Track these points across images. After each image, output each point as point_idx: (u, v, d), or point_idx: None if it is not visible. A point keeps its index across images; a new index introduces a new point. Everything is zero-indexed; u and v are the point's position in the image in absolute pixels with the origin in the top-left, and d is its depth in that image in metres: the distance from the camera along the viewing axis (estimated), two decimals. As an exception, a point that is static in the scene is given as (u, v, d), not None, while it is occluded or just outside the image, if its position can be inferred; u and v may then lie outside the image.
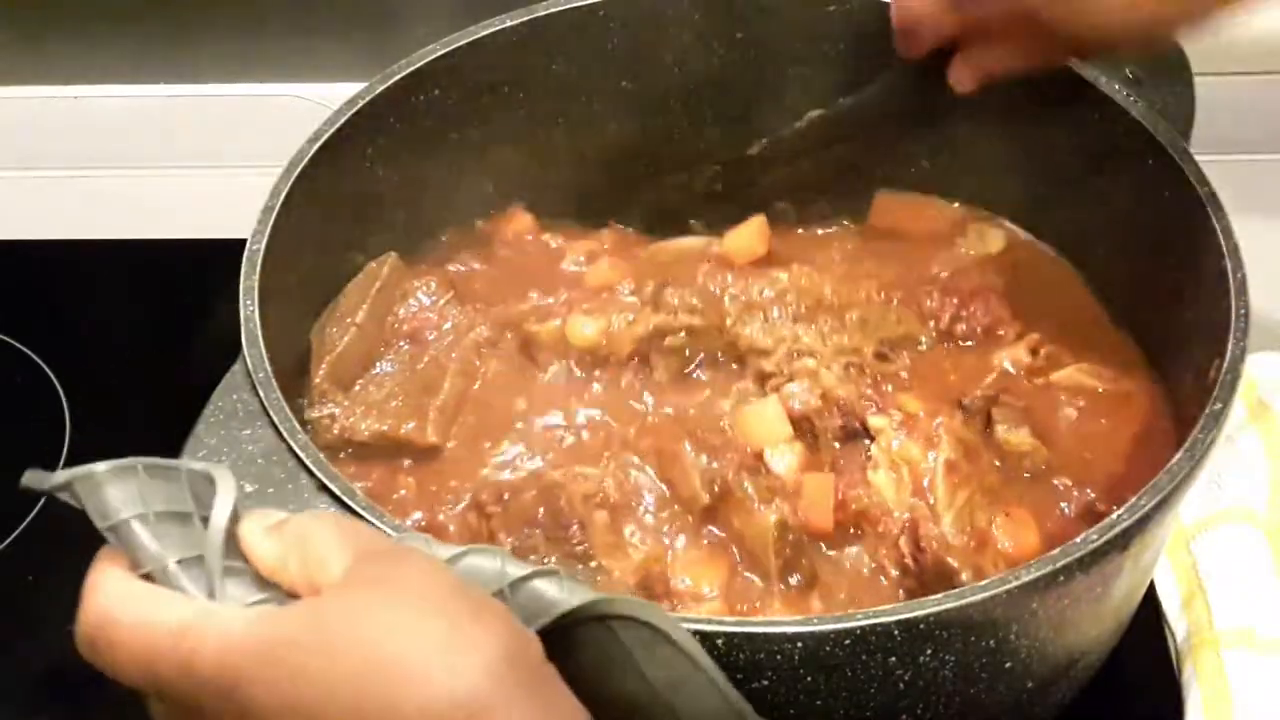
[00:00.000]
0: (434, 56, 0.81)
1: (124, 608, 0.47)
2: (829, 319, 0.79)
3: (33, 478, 0.48)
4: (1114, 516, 0.60)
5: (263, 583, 0.49)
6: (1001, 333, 0.81)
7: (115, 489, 0.48)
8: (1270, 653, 0.77)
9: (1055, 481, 0.74)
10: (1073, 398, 0.78)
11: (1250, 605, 0.79)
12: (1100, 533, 0.59)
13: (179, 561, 0.48)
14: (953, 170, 0.86)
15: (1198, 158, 0.74)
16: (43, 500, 0.88)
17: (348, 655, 0.45)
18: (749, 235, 0.85)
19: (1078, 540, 0.59)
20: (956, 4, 0.75)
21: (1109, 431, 0.77)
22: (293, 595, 0.48)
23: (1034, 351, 0.80)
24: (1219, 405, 0.64)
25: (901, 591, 0.70)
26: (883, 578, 0.70)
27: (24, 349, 1.00)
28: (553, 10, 0.83)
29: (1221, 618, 0.79)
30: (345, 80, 1.00)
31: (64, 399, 0.96)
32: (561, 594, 0.50)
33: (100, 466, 0.48)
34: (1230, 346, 0.66)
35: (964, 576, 0.68)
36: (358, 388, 0.78)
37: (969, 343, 0.80)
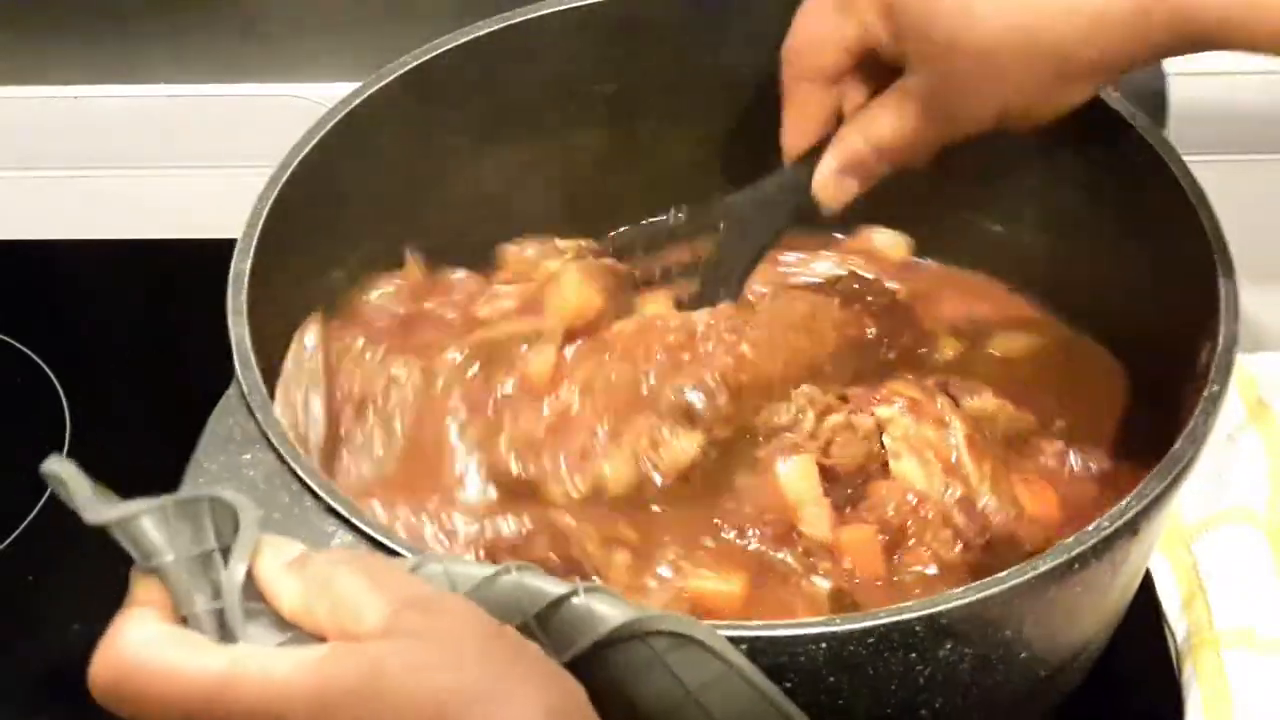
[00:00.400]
0: (431, 56, 0.80)
1: (158, 654, 0.46)
2: (822, 382, 0.77)
3: (59, 468, 0.47)
4: (1124, 504, 0.61)
5: (283, 624, 0.48)
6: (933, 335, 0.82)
7: (155, 530, 0.48)
8: (1270, 653, 0.77)
9: (1042, 443, 0.75)
10: (1013, 362, 0.81)
11: (1250, 605, 0.80)
12: (1111, 520, 0.60)
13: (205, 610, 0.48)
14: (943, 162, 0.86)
15: (1193, 158, 0.74)
16: (43, 500, 0.90)
17: (402, 705, 0.44)
18: (577, 291, 0.78)
19: (1090, 528, 0.60)
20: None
21: (1065, 386, 0.79)
22: (315, 638, 0.47)
23: (958, 335, 0.81)
24: (1215, 388, 0.65)
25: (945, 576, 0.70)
26: (933, 566, 0.70)
27: (24, 349, 1.00)
28: (552, 11, 0.83)
29: (1221, 618, 0.79)
30: (345, 80, 0.99)
31: (64, 399, 0.96)
32: (599, 612, 0.50)
33: (143, 507, 0.48)
34: (1222, 330, 0.67)
35: (1027, 545, 0.69)
36: (343, 459, 0.73)
37: (908, 358, 0.81)
